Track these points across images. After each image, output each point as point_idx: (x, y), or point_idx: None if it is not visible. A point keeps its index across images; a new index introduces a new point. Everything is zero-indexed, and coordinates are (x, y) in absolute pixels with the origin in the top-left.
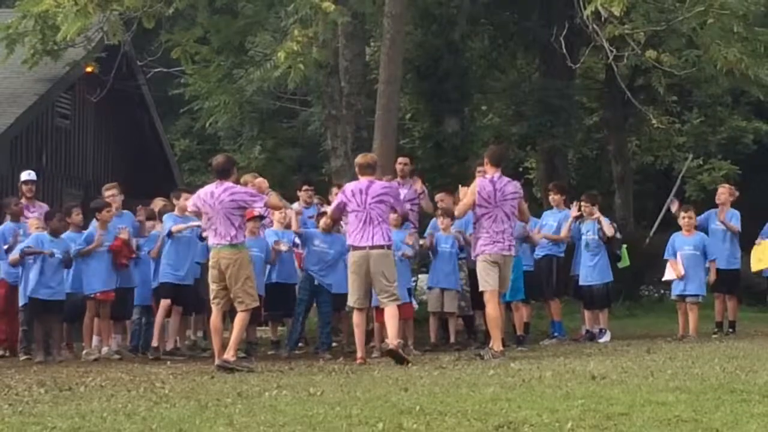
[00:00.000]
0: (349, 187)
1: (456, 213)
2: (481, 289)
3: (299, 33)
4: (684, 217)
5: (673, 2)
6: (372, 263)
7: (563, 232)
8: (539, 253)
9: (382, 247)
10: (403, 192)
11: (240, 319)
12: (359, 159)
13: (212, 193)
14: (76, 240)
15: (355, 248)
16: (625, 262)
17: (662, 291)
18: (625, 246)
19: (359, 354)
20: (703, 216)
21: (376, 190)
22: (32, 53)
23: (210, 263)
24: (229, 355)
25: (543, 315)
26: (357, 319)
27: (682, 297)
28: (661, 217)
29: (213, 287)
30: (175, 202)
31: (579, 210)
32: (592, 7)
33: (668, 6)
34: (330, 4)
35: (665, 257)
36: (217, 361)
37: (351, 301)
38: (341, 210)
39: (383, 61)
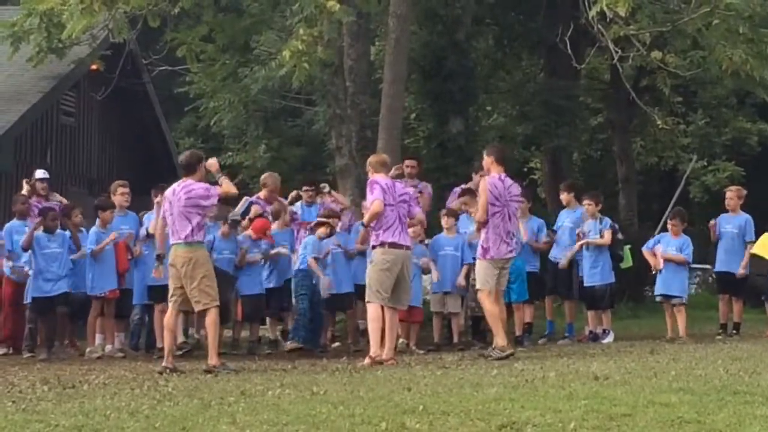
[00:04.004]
0: (382, 181)
1: (478, 218)
2: (478, 286)
3: (304, 32)
4: (669, 225)
5: (678, 3)
6: (405, 265)
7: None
8: (557, 256)
9: (410, 248)
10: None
11: (210, 322)
12: (373, 158)
13: (174, 190)
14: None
15: (394, 245)
16: (627, 263)
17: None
18: (628, 246)
19: (374, 350)
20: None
21: (399, 189)
22: (37, 51)
23: (170, 262)
24: (213, 362)
25: (544, 315)
26: (376, 313)
27: (666, 298)
28: (665, 217)
29: (170, 285)
30: (155, 199)
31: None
32: (597, 7)
33: (673, 7)
34: (335, 4)
35: (643, 248)
36: (164, 363)
37: (378, 298)
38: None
39: (388, 61)
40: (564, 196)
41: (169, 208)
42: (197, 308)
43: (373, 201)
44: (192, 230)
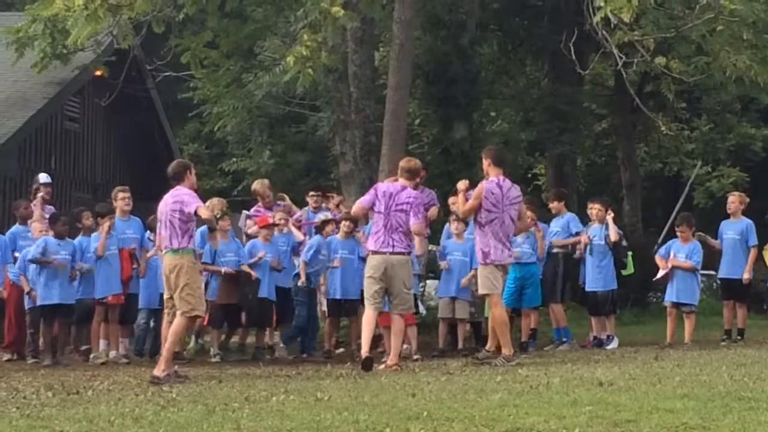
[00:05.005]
0: (382, 187)
1: (462, 215)
2: (487, 292)
3: (308, 38)
4: (678, 231)
5: (682, 9)
6: (392, 269)
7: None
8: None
9: (402, 253)
10: None
11: (174, 328)
12: (402, 162)
13: (165, 198)
14: (85, 244)
15: (375, 253)
16: (629, 270)
17: None
18: (630, 253)
19: (364, 349)
20: (720, 227)
21: (402, 197)
22: (42, 57)
23: (162, 272)
24: (158, 370)
25: (550, 321)
26: (369, 316)
27: (675, 305)
28: (669, 223)
29: (165, 295)
30: None
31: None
32: (601, 13)
33: (678, 13)
34: (339, 9)
35: (656, 255)
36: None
37: (368, 304)
38: (367, 208)
39: (392, 67)
40: (555, 205)
41: (160, 216)
42: (177, 314)
43: (357, 201)
44: (177, 235)
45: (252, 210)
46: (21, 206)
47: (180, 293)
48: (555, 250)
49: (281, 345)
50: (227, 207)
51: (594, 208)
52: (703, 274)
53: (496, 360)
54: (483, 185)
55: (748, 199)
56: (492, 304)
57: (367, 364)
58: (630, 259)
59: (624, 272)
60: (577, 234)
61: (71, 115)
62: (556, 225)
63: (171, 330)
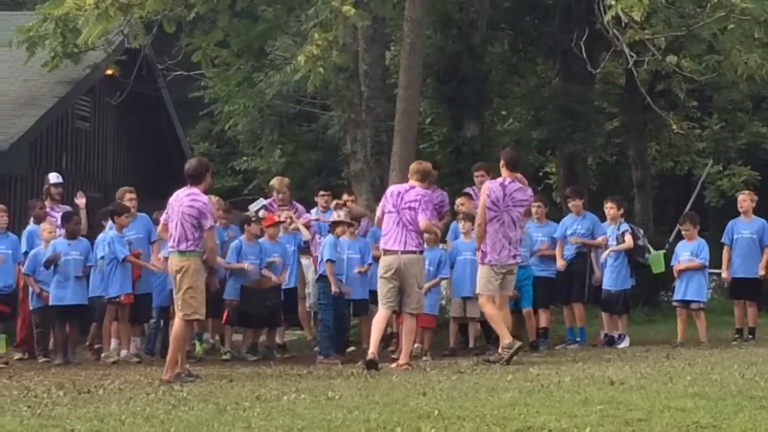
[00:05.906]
0: (390, 189)
1: (478, 221)
2: (478, 291)
3: (319, 37)
4: (682, 231)
5: (693, 8)
6: (404, 268)
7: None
8: (569, 255)
9: (413, 252)
10: None
11: (175, 332)
12: (413, 164)
13: (177, 195)
14: (107, 240)
15: (387, 252)
16: (659, 268)
17: None
18: (662, 252)
19: (371, 349)
20: (728, 225)
21: (410, 195)
22: (53, 56)
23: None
24: (165, 375)
25: (561, 320)
26: (380, 316)
27: (683, 303)
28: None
29: (174, 294)
30: None
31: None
32: (612, 12)
33: (689, 11)
34: (350, 8)
35: (671, 264)
36: (177, 369)
37: (380, 304)
38: (382, 217)
39: (403, 66)
40: (578, 203)
41: (170, 212)
42: (177, 317)
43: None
44: (186, 238)
45: (269, 200)
46: (36, 206)
47: (183, 295)
48: (585, 250)
49: (324, 360)
50: (225, 205)
51: (606, 207)
52: (714, 273)
53: (501, 352)
54: (486, 185)
55: (756, 198)
56: (480, 304)
57: (372, 365)
58: (660, 256)
59: (654, 270)
60: (593, 238)
61: (82, 114)
62: (581, 226)
63: (172, 335)
